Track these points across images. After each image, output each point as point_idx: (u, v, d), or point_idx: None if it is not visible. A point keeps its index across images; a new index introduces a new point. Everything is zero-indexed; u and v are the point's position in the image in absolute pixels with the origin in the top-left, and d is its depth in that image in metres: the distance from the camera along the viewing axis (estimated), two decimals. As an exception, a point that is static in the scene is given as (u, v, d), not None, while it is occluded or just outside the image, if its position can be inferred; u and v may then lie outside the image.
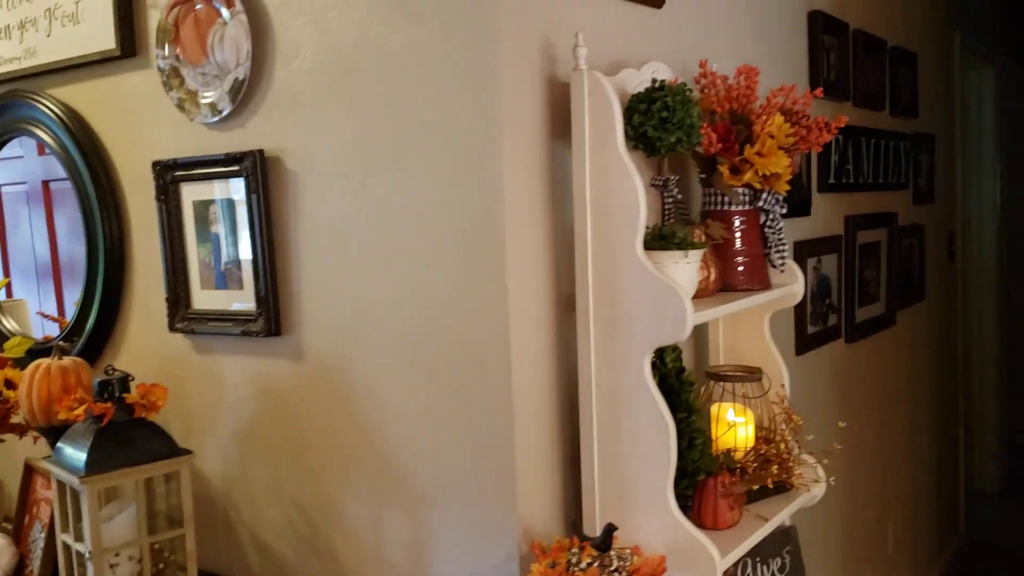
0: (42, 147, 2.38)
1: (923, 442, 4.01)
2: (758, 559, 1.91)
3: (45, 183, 2.51)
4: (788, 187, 1.83)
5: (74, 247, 2.46)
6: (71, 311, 2.30)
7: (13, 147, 2.42)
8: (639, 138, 1.59)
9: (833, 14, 2.87)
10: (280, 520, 1.93)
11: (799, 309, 2.68)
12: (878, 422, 3.43)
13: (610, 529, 1.48)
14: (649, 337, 1.53)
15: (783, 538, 1.96)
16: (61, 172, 2.36)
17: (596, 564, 1.44)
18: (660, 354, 1.69)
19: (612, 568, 1.45)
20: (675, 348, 1.67)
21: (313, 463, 1.87)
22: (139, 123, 2.03)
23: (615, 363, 1.57)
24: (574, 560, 1.46)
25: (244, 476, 1.98)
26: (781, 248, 1.88)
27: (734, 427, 1.82)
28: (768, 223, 1.86)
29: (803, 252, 2.71)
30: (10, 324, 2.40)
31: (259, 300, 1.87)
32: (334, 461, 1.84)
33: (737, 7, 2.33)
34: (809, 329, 2.78)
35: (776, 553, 1.94)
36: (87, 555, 1.70)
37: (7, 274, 2.50)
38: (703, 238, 1.73)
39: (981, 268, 5.19)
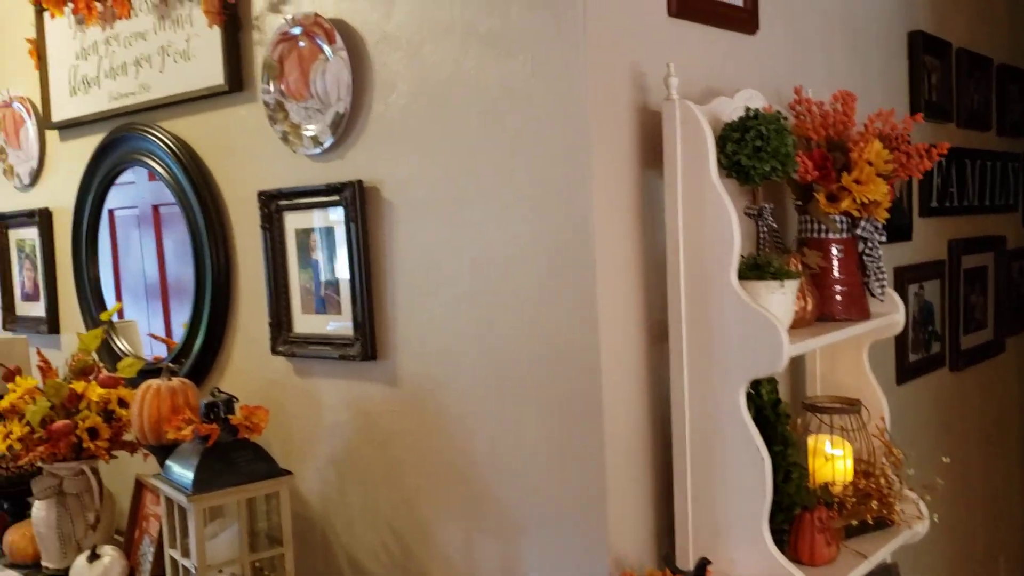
0: (153, 174, 2.50)
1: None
2: (857, 596, 1.85)
3: (155, 207, 2.62)
4: (887, 214, 1.79)
5: (181, 268, 2.57)
6: (178, 331, 2.41)
7: (126, 173, 2.54)
8: (732, 166, 1.58)
9: (935, 33, 2.79)
10: (375, 543, 1.97)
11: (900, 337, 2.59)
12: (986, 453, 3.30)
13: (704, 563, 1.47)
14: (744, 369, 1.52)
15: (883, 574, 1.90)
16: (169, 197, 2.49)
17: (689, 598, 1.43)
18: (756, 386, 1.66)
19: (705, 602, 1.43)
20: (771, 380, 1.65)
21: (407, 487, 1.91)
22: (245, 154, 2.12)
23: (709, 394, 1.56)
24: (666, 593, 1.46)
25: (341, 498, 2.02)
26: (880, 276, 1.83)
27: (832, 460, 1.78)
28: (866, 251, 1.82)
29: (904, 278, 2.64)
30: (122, 344, 2.51)
31: (356, 325, 1.92)
32: (427, 486, 1.87)
33: (832, 30, 2.30)
34: (911, 357, 2.70)
35: (875, 590, 1.88)
36: (193, 570, 1.76)
37: (119, 296, 2.61)
38: (799, 267, 1.70)
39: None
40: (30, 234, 2.79)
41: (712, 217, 1.53)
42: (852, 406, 1.82)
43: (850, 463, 1.81)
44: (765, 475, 1.52)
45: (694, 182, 1.54)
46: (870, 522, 1.77)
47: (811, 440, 1.82)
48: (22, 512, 2.52)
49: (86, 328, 2.57)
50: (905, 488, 1.88)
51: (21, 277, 2.87)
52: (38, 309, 2.80)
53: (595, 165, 1.55)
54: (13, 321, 2.89)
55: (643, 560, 1.66)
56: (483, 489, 1.77)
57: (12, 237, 2.88)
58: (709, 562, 1.48)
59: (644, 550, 1.67)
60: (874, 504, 1.73)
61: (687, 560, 1.59)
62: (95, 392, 2.17)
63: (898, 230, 2.57)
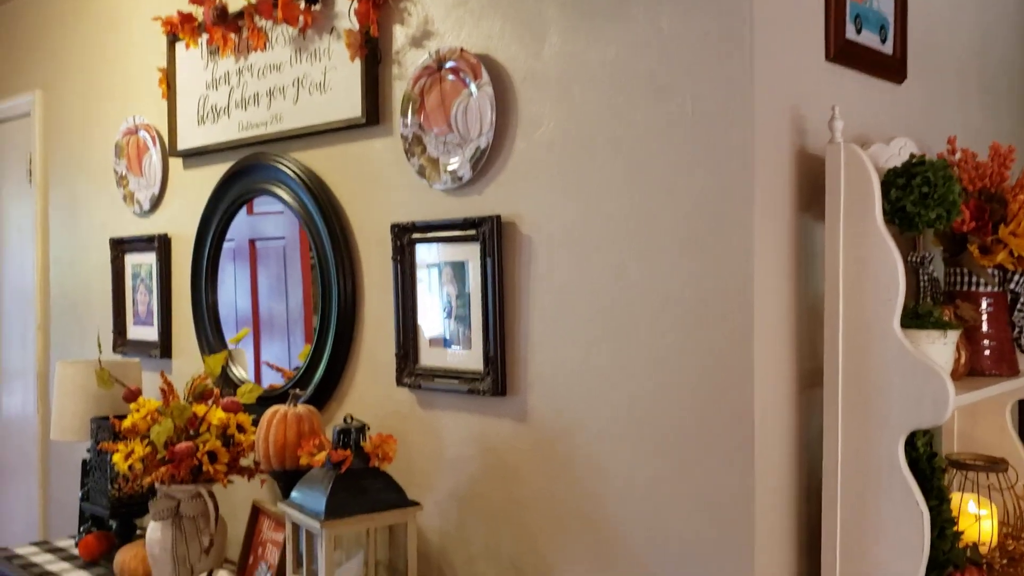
0: (251, 207, 2.54)
1: None
2: (1000, 663, 1.78)
3: (251, 241, 2.66)
4: (1042, 268, 1.75)
5: (273, 304, 2.59)
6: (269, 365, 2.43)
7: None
8: (895, 212, 1.56)
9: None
10: (496, 580, 1.94)
11: None
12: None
13: (863, 618, 1.42)
14: (905, 419, 1.48)
15: (1026, 644, 1.82)
16: (267, 232, 2.52)
17: (848, 654, 1.38)
18: (911, 438, 1.62)
19: (866, 659, 1.38)
20: (926, 432, 1.60)
21: (531, 525, 1.88)
22: (378, 187, 2.15)
23: (864, 444, 1.52)
24: (823, 647, 1.41)
25: (461, 534, 2.01)
26: (1031, 332, 1.79)
27: (978, 520, 1.72)
28: (1019, 306, 1.77)
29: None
30: (238, 372, 2.54)
31: (487, 360, 1.91)
32: (552, 525, 1.85)
33: (966, 80, 2.27)
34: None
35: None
36: (320, 599, 1.75)
37: (256, 323, 2.63)
38: (952, 319, 1.67)
39: None
40: (147, 259, 2.85)
41: (876, 263, 1.50)
42: (998, 464, 1.76)
43: (995, 524, 1.74)
44: (924, 530, 1.47)
45: (857, 227, 1.52)
46: (1019, 587, 1.70)
47: (955, 497, 1.76)
48: (130, 534, 2.55)
49: (201, 353, 2.60)
50: (1052, 554, 1.81)
51: (135, 301, 2.93)
52: (151, 333, 2.84)
53: (756, 207, 1.54)
54: (124, 344, 2.94)
55: (786, 614, 1.61)
56: (613, 533, 1.74)
57: (128, 262, 2.94)
58: (869, 618, 1.43)
59: (788, 603, 1.63)
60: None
61: (837, 616, 1.54)
62: (216, 416, 2.19)
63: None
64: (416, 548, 1.83)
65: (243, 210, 2.57)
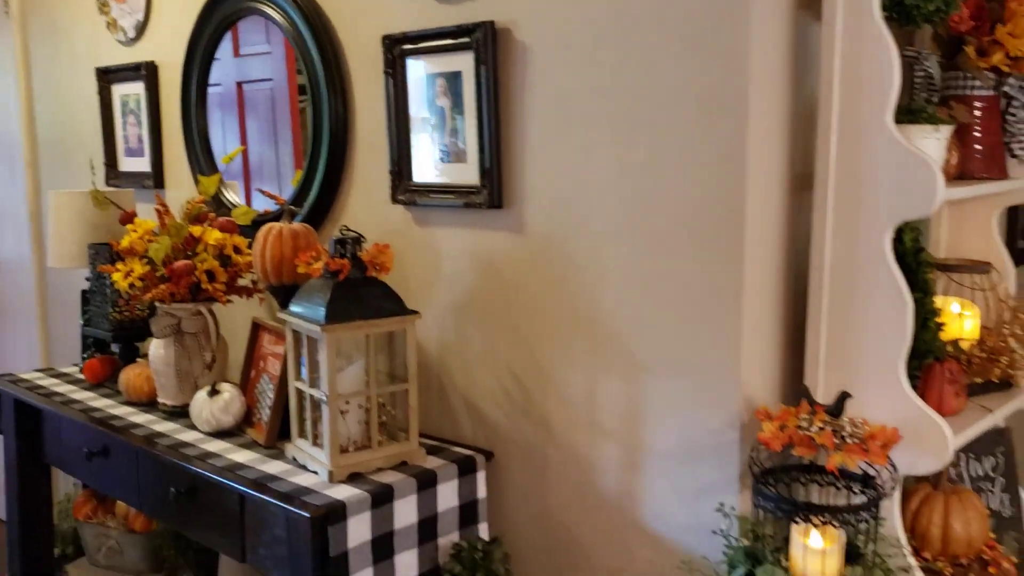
0: (237, 47, 2.49)
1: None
2: (971, 455, 1.88)
3: (239, 84, 2.62)
4: (1037, 72, 1.74)
5: (263, 150, 2.56)
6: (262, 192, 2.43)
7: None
8: (893, 6, 1.55)
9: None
10: (494, 387, 2.01)
11: (1011, 215, 2.57)
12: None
13: (844, 396, 1.49)
14: (893, 210, 1.51)
15: (997, 438, 1.92)
16: (255, 74, 2.47)
17: (829, 428, 1.45)
18: (899, 233, 1.65)
19: (845, 433, 1.45)
20: (914, 228, 1.63)
21: (528, 332, 1.94)
22: (368, -1, 2.10)
23: (853, 238, 1.56)
24: (804, 424, 1.48)
25: (459, 344, 2.06)
26: (1022, 137, 1.80)
27: (960, 319, 1.78)
28: (1011, 109, 1.78)
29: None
30: (232, 197, 2.55)
31: (483, 173, 1.92)
32: (549, 330, 1.90)
33: None
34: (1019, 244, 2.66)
35: (989, 452, 1.90)
36: (323, 399, 1.81)
37: (246, 170, 2.61)
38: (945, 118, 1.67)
39: None
40: (135, 89, 2.81)
41: (872, 57, 1.50)
42: (981, 267, 1.81)
43: (977, 324, 1.80)
44: (907, 319, 1.52)
45: (854, 20, 1.51)
46: (995, 381, 1.77)
47: (939, 300, 1.81)
48: (132, 357, 2.60)
49: (194, 181, 2.60)
50: (1028, 353, 1.88)
51: (125, 132, 2.90)
52: (142, 164, 2.83)
53: (753, 4, 1.52)
54: (116, 176, 2.94)
55: (769, 402, 1.68)
56: (609, 334, 1.80)
57: (116, 92, 2.90)
58: (849, 395, 1.49)
59: (771, 392, 1.69)
60: (1004, 360, 1.73)
61: (817, 398, 1.60)
62: (212, 236, 2.21)
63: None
64: (416, 356, 1.89)
65: (230, 52, 2.53)
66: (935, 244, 1.98)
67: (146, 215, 2.41)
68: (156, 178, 2.78)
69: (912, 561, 1.56)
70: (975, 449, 1.87)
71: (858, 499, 1.52)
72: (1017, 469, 1.94)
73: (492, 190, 1.92)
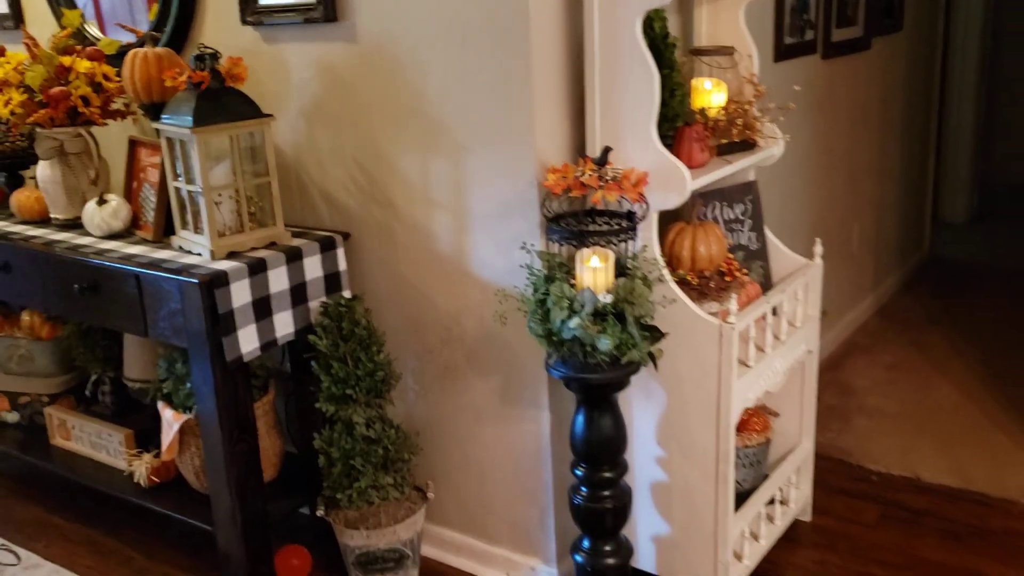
0: None
1: (894, 164, 4.45)
2: (725, 202, 2.39)
3: None
4: None
5: None
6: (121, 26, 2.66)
7: None
8: None
9: None
10: (344, 177, 2.40)
11: (778, 20, 3.04)
12: (849, 135, 3.85)
13: (607, 149, 1.94)
14: (640, 1, 1.93)
15: (746, 188, 2.43)
16: None
17: (595, 174, 1.91)
18: (651, 22, 2.07)
19: (607, 177, 1.91)
20: (662, 17, 2.06)
21: (370, 128, 2.32)
22: None
23: (613, 27, 1.97)
24: (579, 173, 1.93)
25: (311, 144, 2.43)
26: (754, -60, 2.22)
27: (709, 93, 2.24)
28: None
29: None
30: (95, 32, 2.77)
31: (318, -10, 2.25)
32: (388, 125, 2.29)
33: None
34: (787, 40, 3.15)
35: (740, 200, 2.42)
36: (199, 192, 2.17)
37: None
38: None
39: (966, 2, 5.37)
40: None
41: None
42: (726, 49, 2.27)
43: (724, 97, 2.27)
44: (654, 86, 1.96)
45: None
46: (737, 141, 2.26)
47: (695, 82, 2.27)
48: (18, 185, 2.86)
49: (55, 17, 2.81)
50: (767, 119, 2.36)
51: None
52: (1, 5, 3.00)
53: None
54: (-25, 19, 3.09)
55: (558, 163, 2.13)
56: (435, 121, 2.20)
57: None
58: (611, 149, 1.95)
59: (561, 156, 2.14)
60: (740, 123, 2.22)
61: (595, 155, 2.06)
62: (82, 64, 2.48)
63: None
64: (274, 154, 2.25)
65: None
66: (698, 36, 2.42)
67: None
68: (16, 18, 2.96)
69: (667, 274, 2.07)
70: (728, 197, 2.38)
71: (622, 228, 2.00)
72: (763, 212, 2.47)
73: (327, 4, 2.25)
